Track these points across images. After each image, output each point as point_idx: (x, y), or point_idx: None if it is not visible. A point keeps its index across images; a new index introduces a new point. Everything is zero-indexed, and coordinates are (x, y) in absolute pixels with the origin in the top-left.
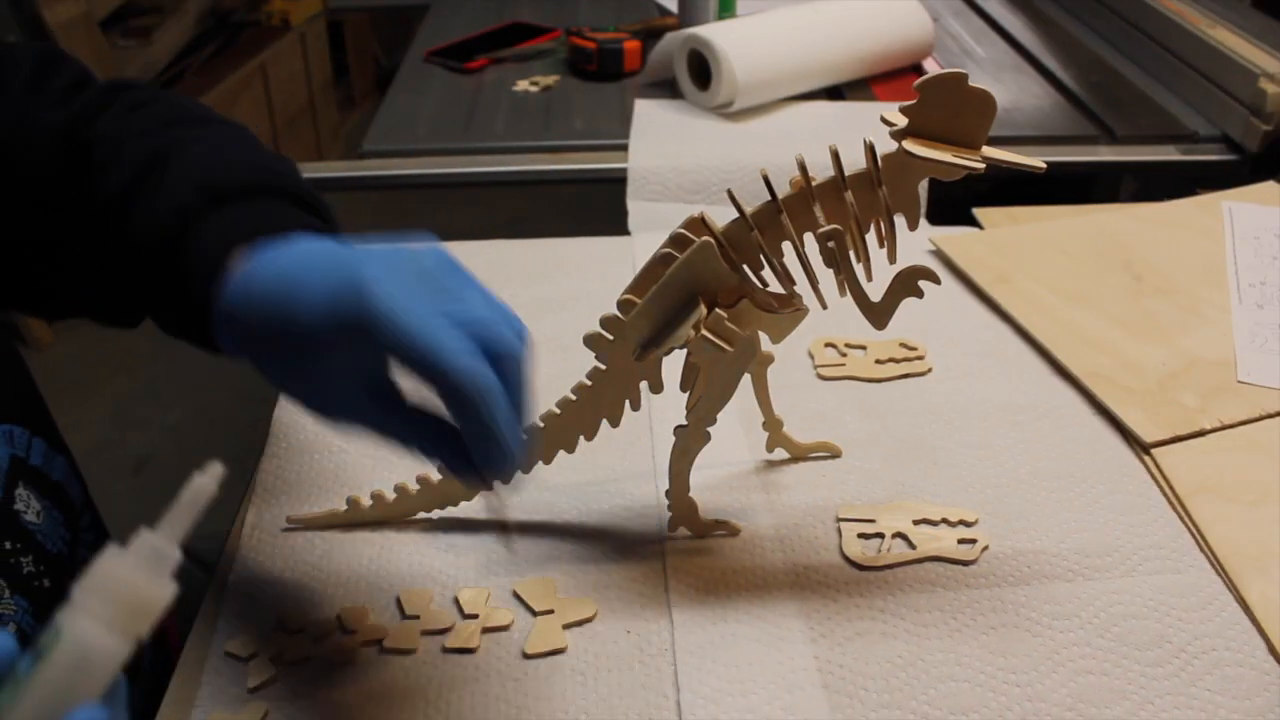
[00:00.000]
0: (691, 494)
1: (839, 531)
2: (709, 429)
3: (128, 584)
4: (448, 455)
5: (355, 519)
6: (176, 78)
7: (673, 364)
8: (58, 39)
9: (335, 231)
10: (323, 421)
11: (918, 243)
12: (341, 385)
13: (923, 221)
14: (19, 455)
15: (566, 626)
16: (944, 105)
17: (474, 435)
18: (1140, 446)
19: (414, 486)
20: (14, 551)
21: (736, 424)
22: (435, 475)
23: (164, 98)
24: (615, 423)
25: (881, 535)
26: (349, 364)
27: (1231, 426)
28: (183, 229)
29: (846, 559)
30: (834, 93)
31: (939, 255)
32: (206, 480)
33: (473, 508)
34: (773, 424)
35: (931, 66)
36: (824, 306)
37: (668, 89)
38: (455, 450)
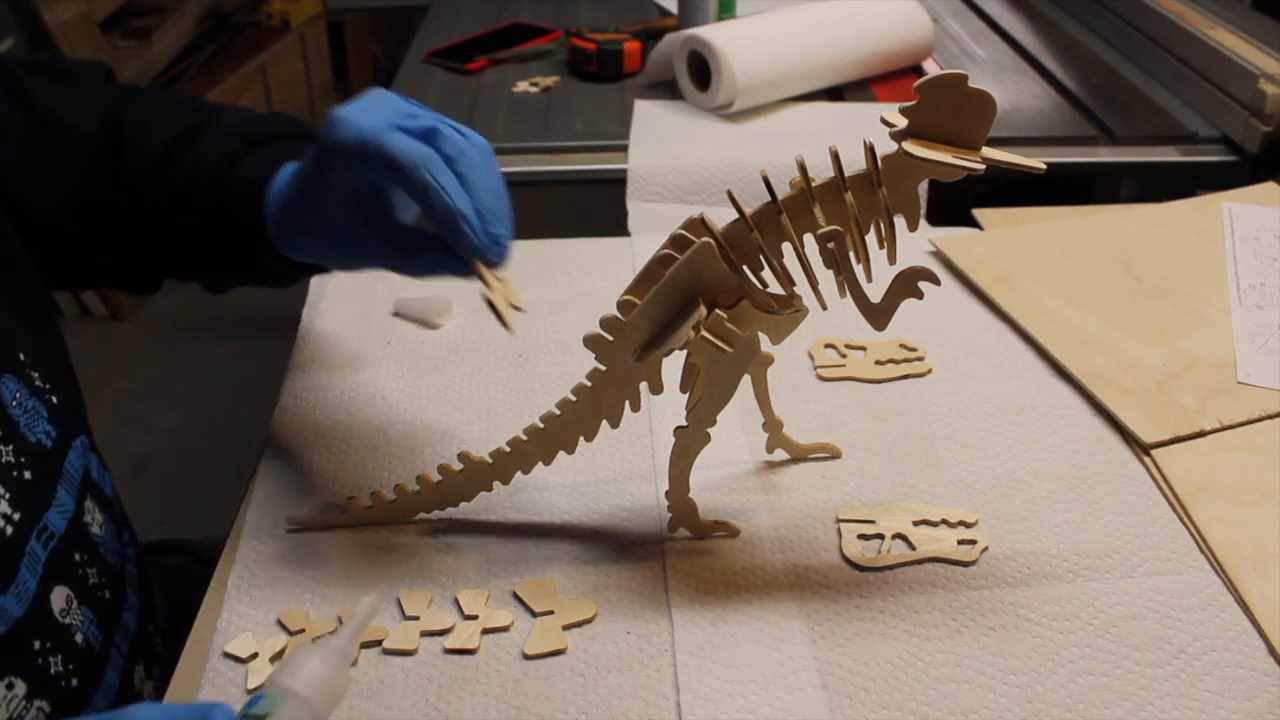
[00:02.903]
0: (691, 495)
1: (839, 532)
2: (709, 430)
3: (323, 673)
4: (433, 253)
5: (355, 520)
6: (176, 78)
7: (672, 365)
8: (57, 40)
9: None
10: (343, 261)
11: (917, 244)
12: (341, 208)
13: (922, 222)
14: (87, 466)
15: (567, 627)
16: (944, 106)
17: (430, 208)
18: (1140, 447)
19: (413, 487)
20: (82, 563)
21: (736, 425)
22: (435, 476)
23: (176, 96)
24: (615, 423)
25: (881, 536)
26: (343, 184)
27: (1231, 427)
28: (229, 166)
29: (846, 560)
30: (834, 93)
31: (939, 256)
32: (374, 599)
33: (473, 509)
34: (773, 425)
35: (931, 67)
36: (824, 307)
37: (667, 90)
38: (439, 246)
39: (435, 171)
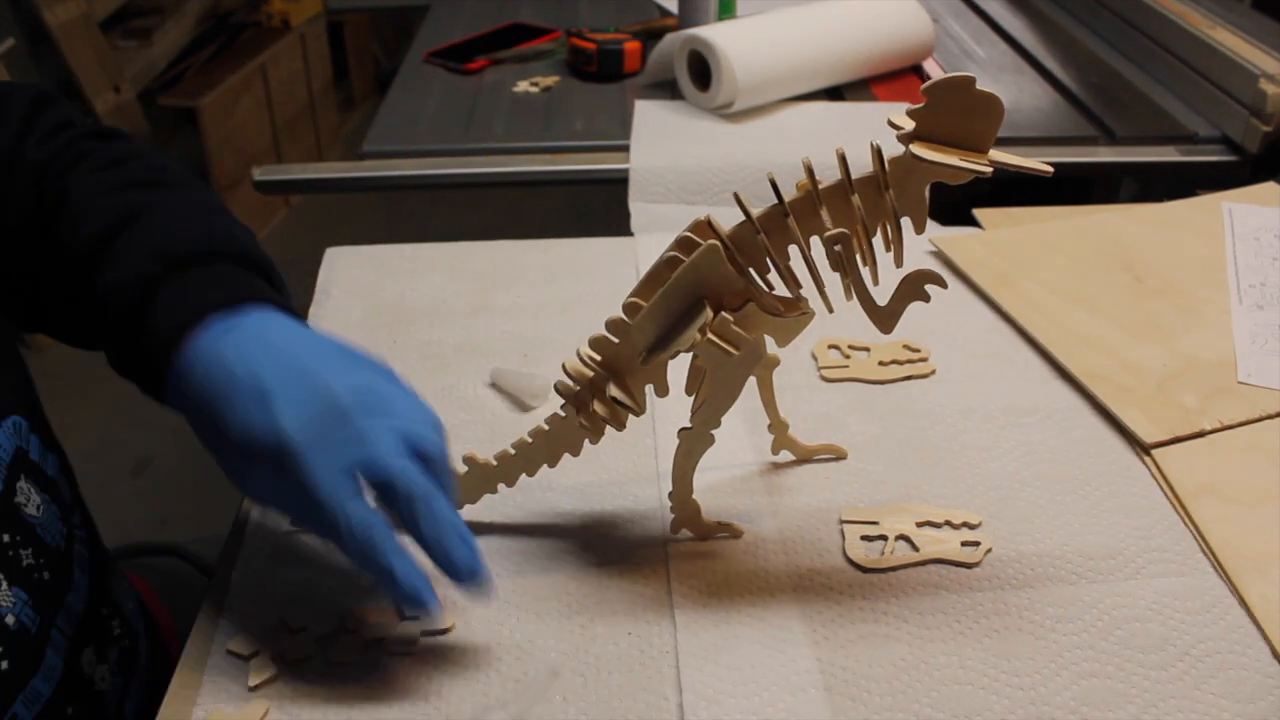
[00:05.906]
0: (695, 496)
1: (842, 534)
2: (713, 432)
3: None
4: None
5: None
6: (176, 79)
7: (676, 366)
8: (57, 40)
9: (285, 296)
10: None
11: (918, 244)
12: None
13: None
14: (22, 447)
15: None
16: (951, 108)
17: (371, 573)
18: (1141, 447)
19: None
20: (13, 544)
21: (740, 426)
22: None
23: (144, 156)
24: (620, 426)
25: (885, 537)
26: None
27: (1232, 427)
28: (144, 295)
29: (849, 561)
30: (834, 93)
31: (940, 256)
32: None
33: (474, 509)
34: (778, 426)
35: (931, 67)
36: (830, 310)
37: (668, 90)
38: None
39: (386, 555)
